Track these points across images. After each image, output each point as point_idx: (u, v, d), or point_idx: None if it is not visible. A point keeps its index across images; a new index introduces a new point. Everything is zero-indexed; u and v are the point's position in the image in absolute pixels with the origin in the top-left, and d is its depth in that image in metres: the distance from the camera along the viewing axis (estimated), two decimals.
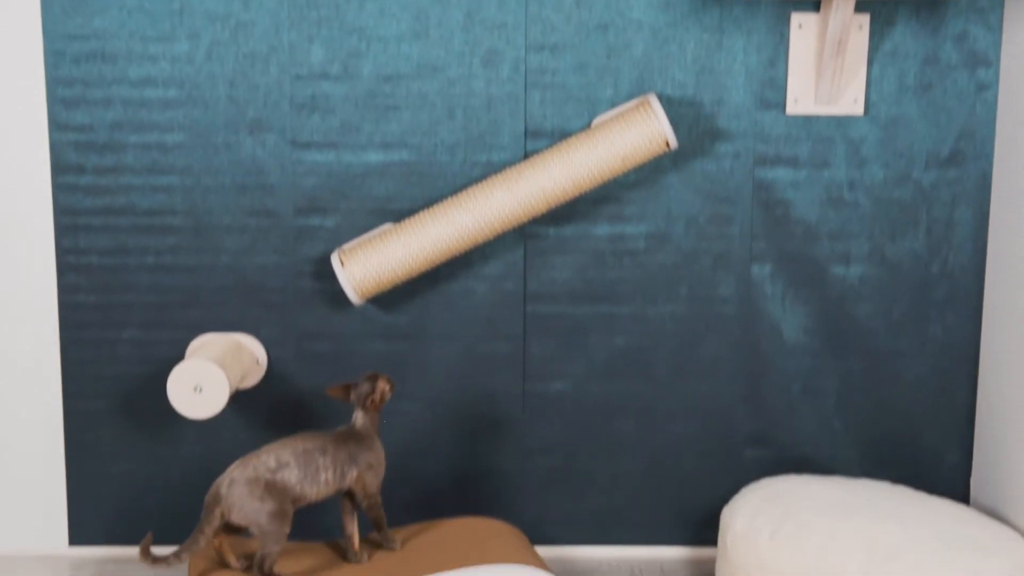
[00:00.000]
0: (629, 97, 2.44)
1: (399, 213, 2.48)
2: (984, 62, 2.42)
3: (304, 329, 2.52)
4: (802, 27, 2.42)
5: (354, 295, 2.40)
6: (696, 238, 2.50)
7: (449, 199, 2.39)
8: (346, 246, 2.43)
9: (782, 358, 2.53)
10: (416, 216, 2.40)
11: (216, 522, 2.09)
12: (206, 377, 2.32)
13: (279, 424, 2.55)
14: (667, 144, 2.35)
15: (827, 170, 2.47)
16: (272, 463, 2.12)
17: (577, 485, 2.59)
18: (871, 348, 2.53)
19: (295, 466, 2.13)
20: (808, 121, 2.45)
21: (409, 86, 2.44)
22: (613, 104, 2.44)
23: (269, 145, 2.45)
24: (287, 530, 2.11)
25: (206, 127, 2.44)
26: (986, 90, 2.43)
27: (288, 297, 2.51)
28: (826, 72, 2.38)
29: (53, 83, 2.41)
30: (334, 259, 2.40)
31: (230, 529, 2.14)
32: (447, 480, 2.58)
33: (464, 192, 2.39)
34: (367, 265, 2.39)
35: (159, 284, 2.49)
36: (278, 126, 2.45)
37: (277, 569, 2.12)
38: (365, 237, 2.43)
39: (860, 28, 2.42)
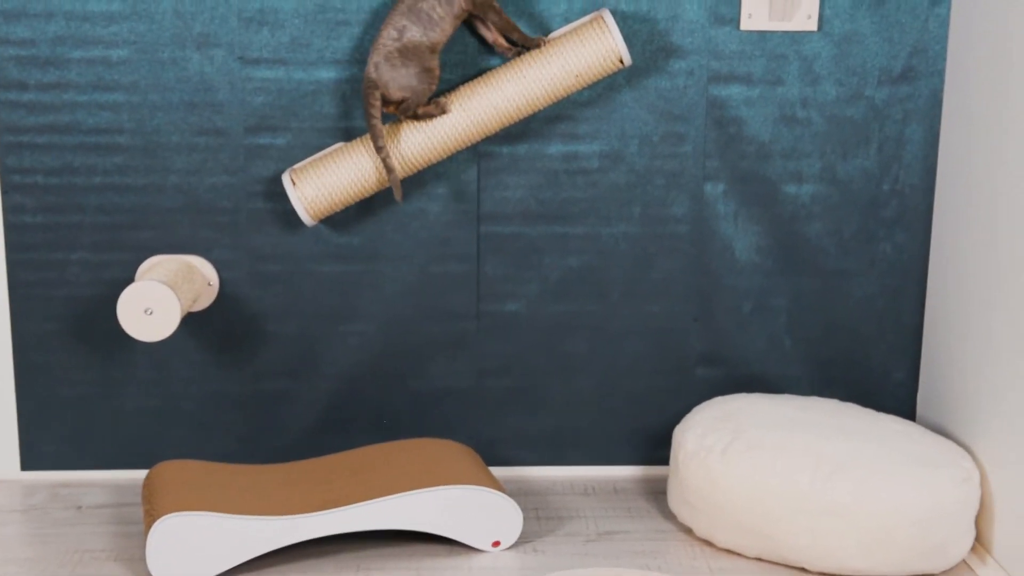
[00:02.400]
0: (583, 13, 2.41)
1: (351, 132, 2.45)
2: None
3: (256, 250, 2.49)
4: None
5: (306, 216, 2.37)
6: (649, 157, 2.49)
7: (389, 125, 2.37)
8: (297, 166, 2.40)
9: (734, 277, 2.55)
10: (367, 135, 2.37)
11: (377, 104, 2.29)
12: (157, 299, 2.29)
13: (232, 347, 2.53)
14: (621, 61, 2.33)
15: (780, 87, 2.46)
16: (394, 34, 2.28)
17: (530, 405, 2.61)
18: (821, 267, 2.55)
19: (411, 24, 2.27)
20: (762, 37, 2.44)
21: (360, 0, 2.40)
22: (567, 20, 2.42)
23: (217, 61, 2.40)
24: (434, 86, 2.31)
25: (152, 42, 2.39)
26: (939, 5, 2.43)
27: (239, 218, 2.48)
28: None
29: None
30: (285, 179, 2.37)
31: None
32: (401, 401, 2.59)
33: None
34: (319, 185, 2.36)
35: (107, 204, 2.46)
36: (226, 41, 2.40)
37: (422, 109, 2.31)
38: (316, 156, 2.40)
39: None
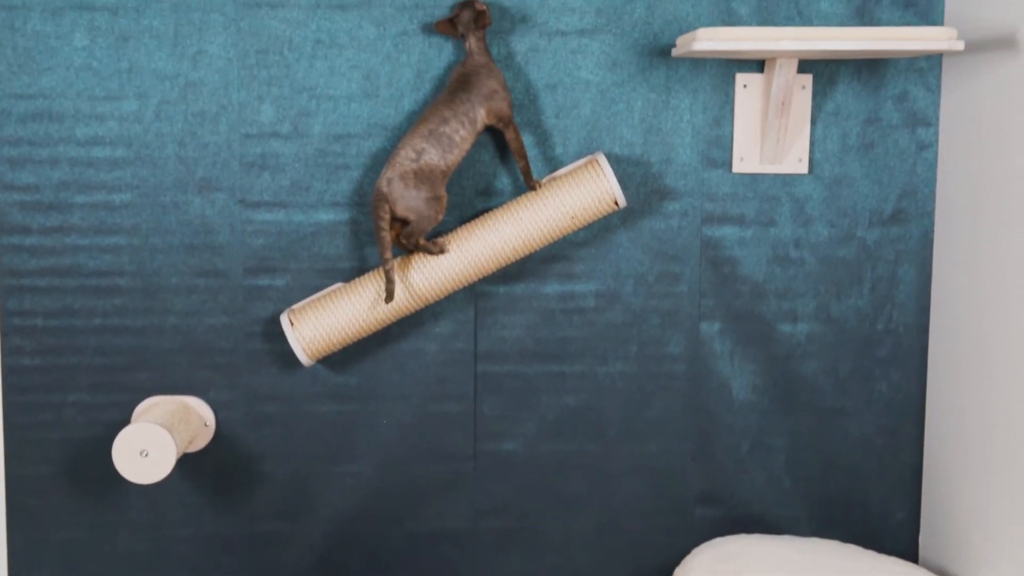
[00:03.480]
0: (578, 156, 2.46)
1: (349, 272, 2.47)
2: (924, 122, 2.47)
3: (253, 391, 2.49)
4: (747, 87, 2.46)
5: (304, 356, 2.38)
6: (645, 296, 2.51)
7: (398, 259, 2.39)
8: (296, 306, 2.42)
9: (731, 416, 2.54)
10: (367, 275, 2.40)
11: (386, 216, 2.31)
12: (152, 441, 2.29)
13: (227, 488, 2.51)
14: (615, 203, 2.37)
15: (773, 228, 2.50)
16: (412, 155, 2.31)
17: (528, 546, 2.58)
18: (818, 406, 2.55)
19: (430, 148, 2.30)
20: (754, 179, 2.49)
21: (360, 145, 2.45)
22: (562, 163, 2.46)
23: (218, 204, 2.44)
24: (440, 216, 2.34)
25: (154, 186, 2.43)
26: (927, 149, 2.48)
27: (237, 358, 2.48)
28: (771, 131, 2.42)
29: None
30: (284, 320, 2.39)
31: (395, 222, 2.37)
32: (398, 542, 2.56)
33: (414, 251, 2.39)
34: (317, 326, 2.37)
35: (106, 346, 2.46)
36: (227, 185, 2.44)
37: (423, 241, 2.35)
38: (315, 297, 2.42)
39: (803, 88, 2.46)
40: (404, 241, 2.34)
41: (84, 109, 2.40)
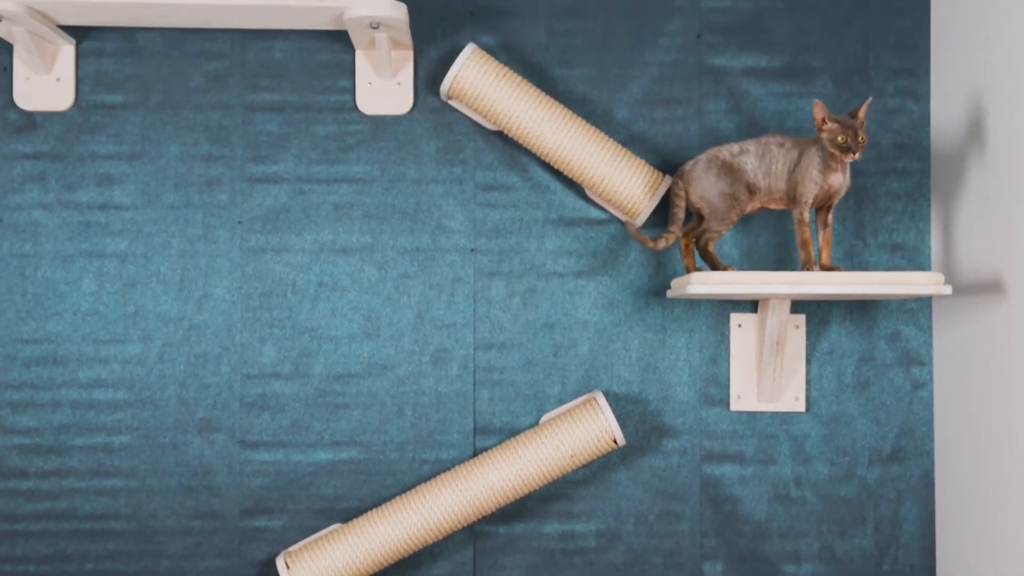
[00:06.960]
0: (576, 394, 2.48)
1: (347, 513, 2.45)
2: (918, 361, 2.50)
3: None
4: (741, 326, 2.50)
5: None
6: (646, 535, 2.48)
7: (397, 498, 2.38)
8: (292, 548, 2.39)
9: None
10: (364, 516, 2.38)
11: (683, 196, 2.30)
12: None
13: None
14: (614, 441, 2.37)
15: (773, 466, 2.49)
16: (735, 149, 2.28)
17: None
18: None
19: (753, 154, 2.26)
20: (752, 417, 2.50)
21: (359, 384, 2.47)
22: (561, 401, 2.48)
23: (217, 445, 2.44)
24: (734, 217, 2.27)
25: (154, 428, 2.43)
26: (922, 388, 2.50)
27: None
28: (766, 370, 2.44)
29: (1, 387, 2.42)
30: (279, 562, 2.35)
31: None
32: None
33: (413, 491, 2.38)
34: (313, 568, 2.34)
35: None
36: (227, 425, 2.45)
37: (711, 248, 2.30)
38: (312, 539, 2.39)
39: (797, 328, 2.50)
40: (695, 239, 2.32)
41: (88, 352, 2.43)
